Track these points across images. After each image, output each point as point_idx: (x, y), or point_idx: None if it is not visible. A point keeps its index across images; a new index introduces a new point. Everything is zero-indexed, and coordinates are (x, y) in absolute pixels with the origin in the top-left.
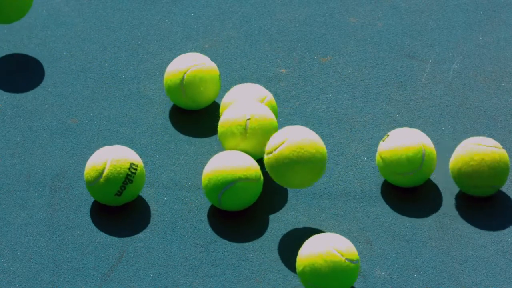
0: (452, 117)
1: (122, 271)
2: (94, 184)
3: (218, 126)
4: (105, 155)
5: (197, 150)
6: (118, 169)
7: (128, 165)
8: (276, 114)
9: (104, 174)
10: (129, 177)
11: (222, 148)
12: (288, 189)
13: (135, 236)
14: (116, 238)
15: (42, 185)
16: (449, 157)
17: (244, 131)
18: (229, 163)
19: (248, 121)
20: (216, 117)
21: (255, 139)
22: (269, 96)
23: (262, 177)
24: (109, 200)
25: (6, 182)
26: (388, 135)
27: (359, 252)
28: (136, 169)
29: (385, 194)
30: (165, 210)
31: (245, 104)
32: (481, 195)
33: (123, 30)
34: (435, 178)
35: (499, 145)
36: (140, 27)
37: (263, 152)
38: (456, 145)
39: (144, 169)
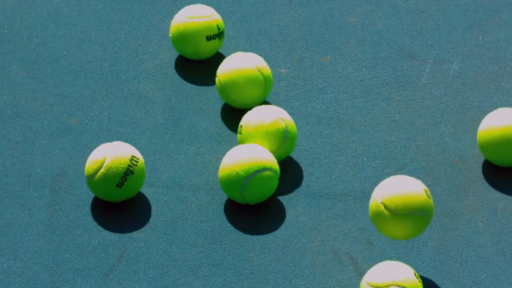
0: (452, 117)
1: (122, 271)
2: (95, 176)
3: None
4: (106, 149)
5: (197, 150)
6: (120, 160)
7: (129, 157)
8: (271, 83)
9: (106, 165)
10: (130, 168)
11: (221, 148)
12: (288, 189)
13: (135, 236)
14: (116, 238)
15: (42, 185)
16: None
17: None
18: (255, 153)
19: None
20: (216, 116)
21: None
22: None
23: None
24: (110, 193)
25: (6, 182)
26: None
27: (359, 252)
28: (137, 162)
29: None
30: (165, 210)
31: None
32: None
33: (123, 30)
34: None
35: None
36: (140, 27)
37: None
38: (456, 145)
39: (144, 165)
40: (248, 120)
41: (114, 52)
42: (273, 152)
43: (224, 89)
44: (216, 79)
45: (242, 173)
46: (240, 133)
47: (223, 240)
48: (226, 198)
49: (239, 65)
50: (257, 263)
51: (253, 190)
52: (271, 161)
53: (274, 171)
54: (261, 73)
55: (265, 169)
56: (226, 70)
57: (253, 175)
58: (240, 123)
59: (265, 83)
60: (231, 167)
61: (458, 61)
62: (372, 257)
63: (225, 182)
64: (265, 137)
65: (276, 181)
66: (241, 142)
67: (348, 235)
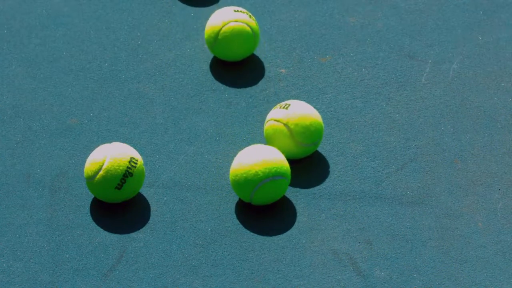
0: (452, 117)
1: (122, 271)
2: (94, 178)
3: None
4: (105, 151)
5: (197, 150)
6: (119, 162)
7: (128, 159)
8: (258, 35)
9: (105, 167)
10: (129, 170)
11: (221, 148)
12: (288, 188)
13: (135, 236)
14: (115, 238)
15: (42, 185)
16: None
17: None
18: (277, 157)
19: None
20: (216, 116)
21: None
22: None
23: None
24: (109, 194)
25: (6, 182)
26: None
27: (359, 252)
28: (136, 163)
29: (385, 194)
30: (165, 210)
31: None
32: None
33: (123, 30)
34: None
35: None
36: (140, 27)
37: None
38: (456, 145)
39: (143, 166)
40: (301, 105)
41: (114, 52)
42: (298, 145)
43: None
44: None
45: (261, 173)
46: (286, 108)
47: (223, 240)
48: (225, 198)
49: None
50: (257, 263)
51: (264, 193)
52: (288, 169)
53: (288, 179)
54: None
55: (282, 176)
56: None
57: (270, 180)
58: (287, 102)
59: None
60: (252, 165)
61: (457, 61)
62: (372, 257)
63: (240, 178)
64: (307, 129)
65: (286, 189)
66: (278, 119)
67: (348, 235)
